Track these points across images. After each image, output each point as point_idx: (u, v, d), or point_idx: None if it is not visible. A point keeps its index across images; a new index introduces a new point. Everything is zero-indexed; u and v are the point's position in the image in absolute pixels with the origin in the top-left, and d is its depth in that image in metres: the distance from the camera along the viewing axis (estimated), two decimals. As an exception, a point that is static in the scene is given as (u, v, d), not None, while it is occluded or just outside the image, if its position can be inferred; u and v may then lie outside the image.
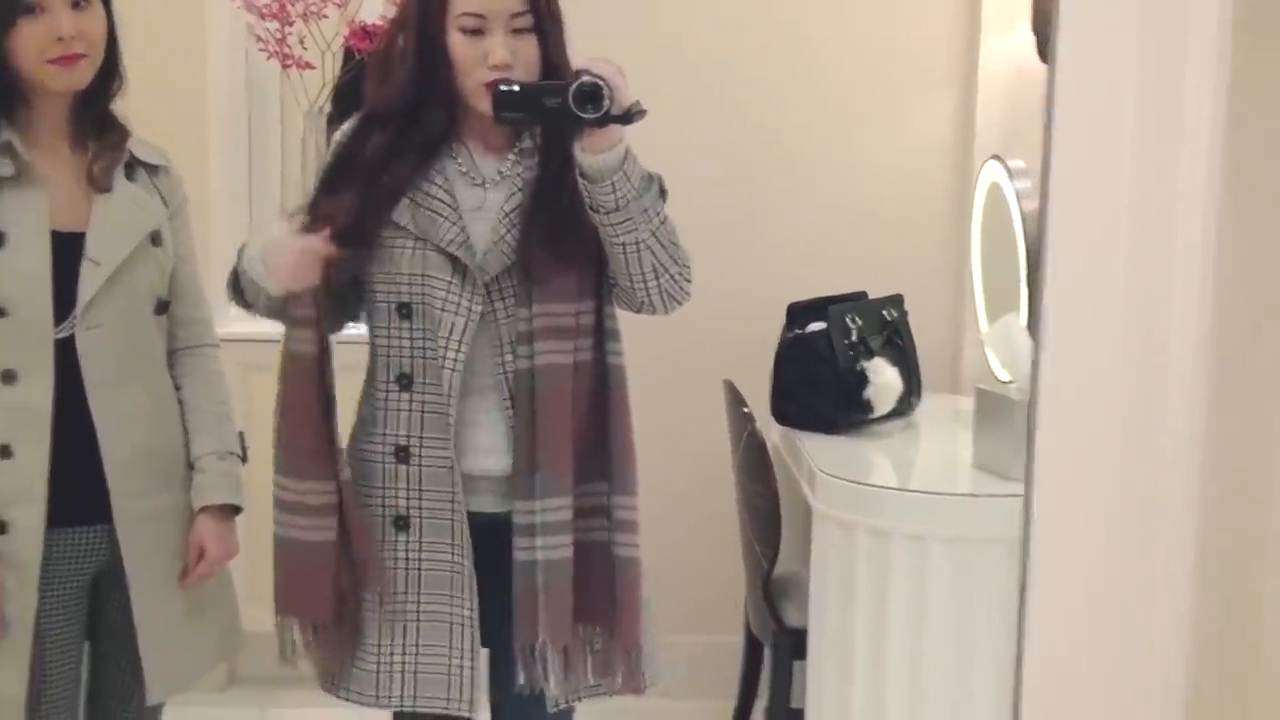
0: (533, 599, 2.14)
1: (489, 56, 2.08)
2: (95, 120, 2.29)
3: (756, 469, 3.08)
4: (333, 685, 2.25)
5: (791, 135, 3.73)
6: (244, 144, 3.99)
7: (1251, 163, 1.11)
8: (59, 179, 2.24)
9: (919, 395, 3.30)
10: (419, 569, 2.17)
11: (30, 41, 2.15)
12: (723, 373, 3.39)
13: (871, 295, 3.37)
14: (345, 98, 3.73)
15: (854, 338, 3.15)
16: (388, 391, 2.17)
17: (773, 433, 3.22)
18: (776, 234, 3.74)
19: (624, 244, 2.07)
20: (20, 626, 2.20)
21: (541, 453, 2.13)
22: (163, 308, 2.35)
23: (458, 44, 2.10)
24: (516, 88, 2.03)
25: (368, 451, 2.20)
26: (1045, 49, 3.00)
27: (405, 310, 2.14)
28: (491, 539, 2.17)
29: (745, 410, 3.14)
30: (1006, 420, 2.69)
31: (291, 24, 3.74)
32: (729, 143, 3.73)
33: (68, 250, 2.20)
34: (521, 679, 2.16)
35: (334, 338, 2.21)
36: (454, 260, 2.12)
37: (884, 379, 3.11)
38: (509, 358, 2.14)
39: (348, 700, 2.23)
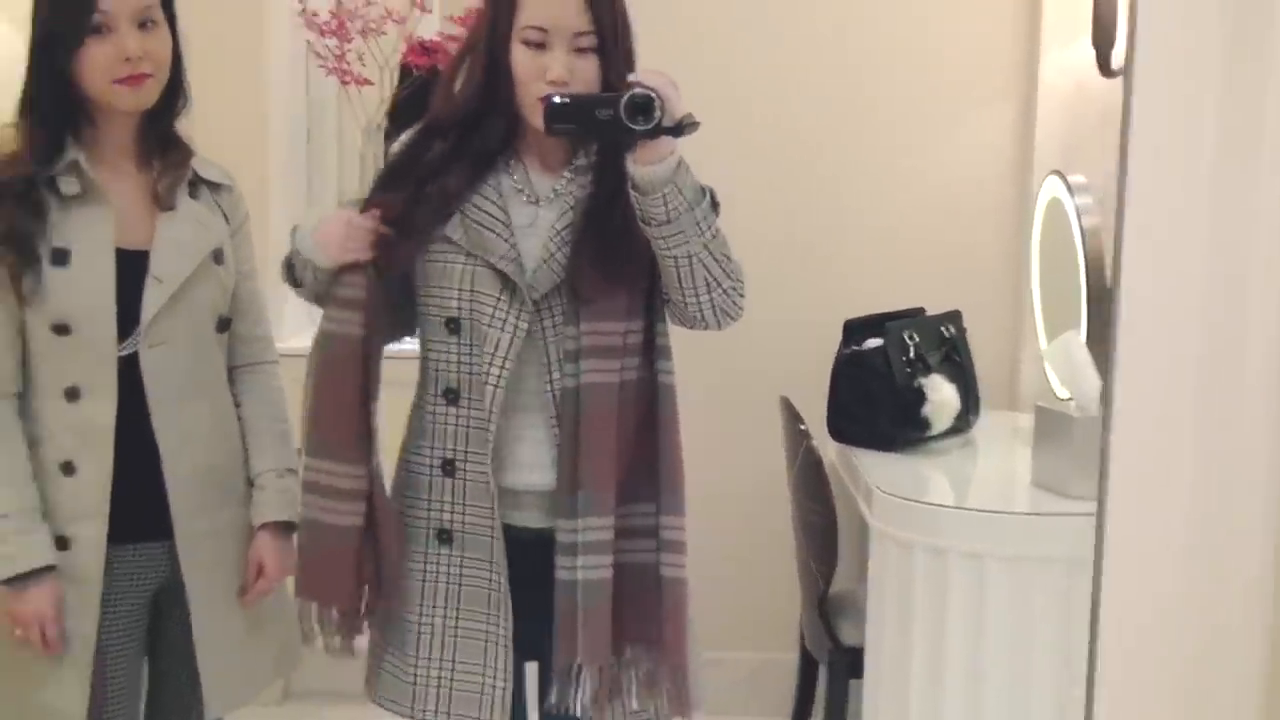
0: (572, 618, 2.14)
1: (547, 72, 2.08)
2: (160, 139, 2.31)
3: (813, 486, 3.07)
4: (372, 691, 2.27)
5: (849, 149, 3.72)
6: (303, 160, 4.02)
7: None
8: (124, 197, 2.26)
9: (977, 412, 3.28)
10: (459, 584, 2.18)
11: (98, 62, 2.18)
12: (779, 389, 3.38)
13: (929, 311, 3.35)
14: (401, 114, 3.75)
15: (911, 354, 3.13)
16: (435, 405, 2.18)
17: (829, 450, 3.20)
18: (834, 249, 3.73)
19: (676, 257, 2.06)
20: (81, 643, 2.22)
21: (584, 472, 2.13)
22: (224, 325, 2.37)
23: (519, 56, 2.11)
24: (568, 100, 2.03)
25: (415, 463, 2.21)
26: (1106, 63, 2.98)
27: (454, 325, 2.15)
28: (538, 554, 2.17)
29: (802, 427, 3.13)
30: (1066, 437, 2.67)
31: (350, 41, 3.78)
32: (787, 157, 3.72)
33: (132, 268, 2.23)
34: (554, 697, 2.16)
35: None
36: (504, 277, 2.13)
37: (941, 396, 3.09)
38: (555, 375, 2.14)
39: (383, 707, 2.25)
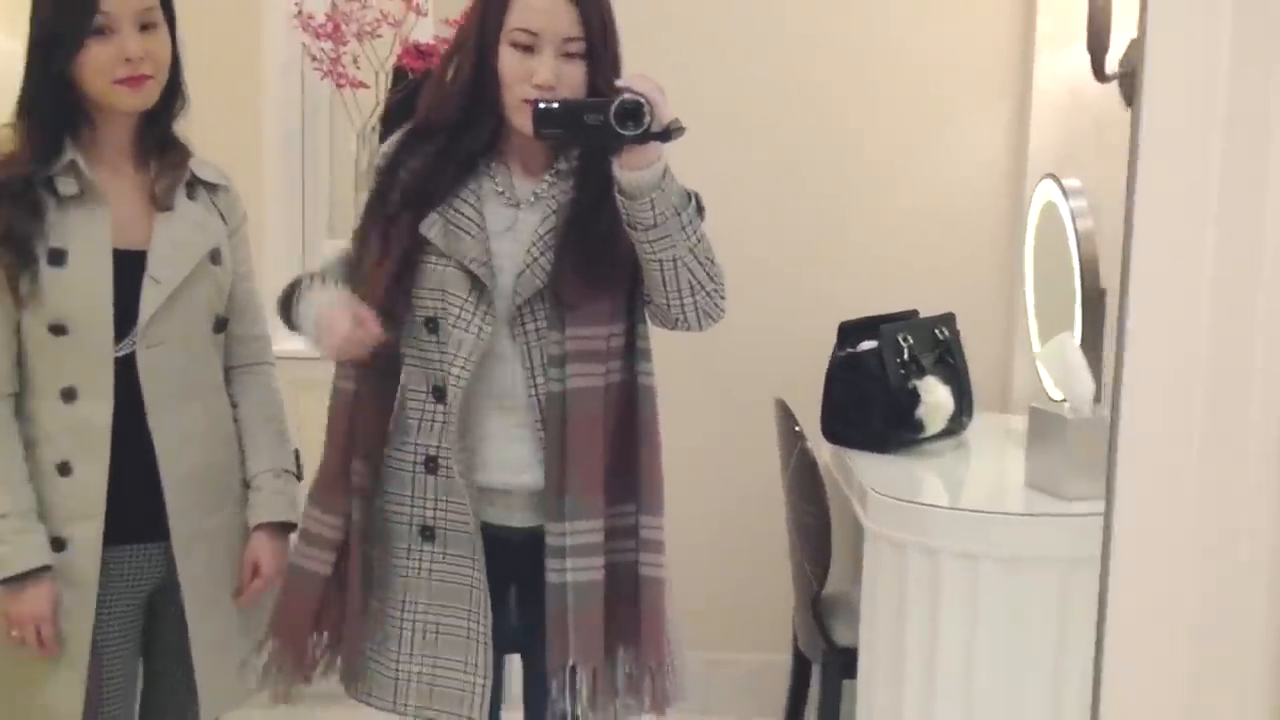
0: (563, 620, 2.16)
1: (534, 75, 2.09)
2: (157, 140, 2.32)
3: (807, 487, 3.08)
4: (354, 687, 2.29)
5: (844, 152, 3.73)
6: (298, 163, 4.02)
7: None
8: (122, 198, 2.26)
9: (970, 414, 3.29)
10: (442, 581, 2.20)
11: (99, 62, 2.18)
12: (774, 391, 3.39)
13: (923, 314, 3.36)
14: (395, 117, 3.74)
15: (906, 356, 3.14)
16: (423, 402, 2.19)
17: (823, 451, 3.21)
18: (829, 252, 3.74)
19: (661, 261, 2.08)
20: (77, 643, 2.23)
21: (572, 476, 2.15)
22: (221, 326, 2.38)
23: (507, 58, 2.12)
24: (556, 105, 2.04)
25: (399, 459, 2.22)
26: (1100, 68, 3.00)
27: (432, 324, 2.17)
28: (525, 553, 2.20)
29: (796, 429, 3.14)
30: (1060, 439, 2.68)
31: (346, 44, 3.78)
32: (783, 161, 3.73)
33: (129, 268, 2.23)
34: (554, 694, 2.17)
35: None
36: (474, 279, 2.14)
37: (935, 398, 3.10)
38: (540, 380, 2.16)
39: (366, 703, 2.27)
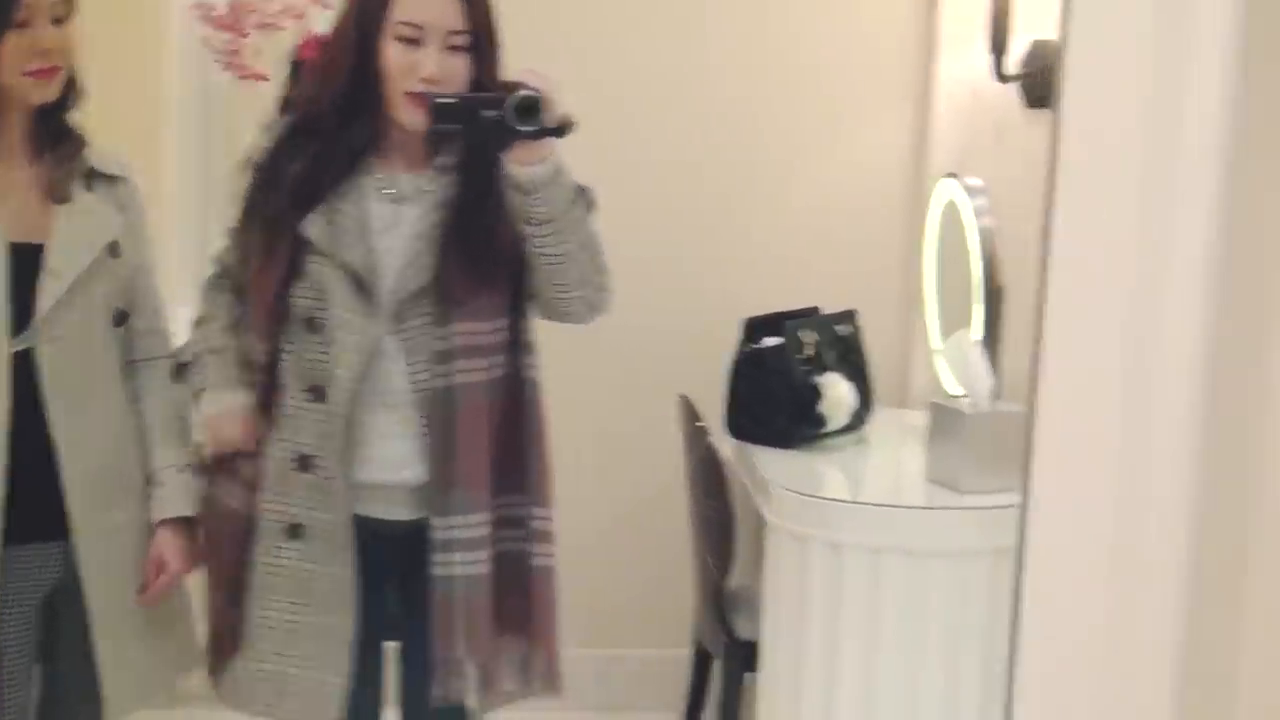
0: (450, 613, 2.18)
1: (419, 68, 2.09)
2: (53, 131, 2.27)
3: (711, 482, 3.10)
4: (216, 685, 2.30)
5: (747, 150, 3.76)
6: (199, 154, 3.97)
7: (1255, 183, 1.15)
8: (16, 190, 2.22)
9: (871, 409, 3.33)
10: (307, 579, 2.20)
11: (14, 54, 2.14)
12: (678, 387, 3.41)
13: (825, 310, 3.40)
14: (291, 109, 3.71)
15: (808, 353, 3.17)
16: (300, 401, 2.18)
17: (726, 446, 3.24)
18: (732, 249, 3.77)
19: (552, 255, 2.09)
20: None
21: (459, 470, 2.16)
22: (121, 319, 2.34)
23: (391, 52, 2.11)
24: (453, 98, 2.04)
25: (272, 457, 2.22)
26: (1001, 69, 3.05)
27: (312, 324, 2.15)
28: (408, 546, 2.21)
29: (700, 424, 3.16)
30: (959, 433, 2.72)
31: (246, 35, 3.73)
32: (684, 158, 3.75)
33: (25, 262, 2.19)
34: (437, 690, 2.20)
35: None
36: (356, 278, 2.13)
37: (837, 393, 3.14)
38: (425, 376, 2.16)
39: (225, 701, 2.29)
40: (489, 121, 2.00)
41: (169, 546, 2.33)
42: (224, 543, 2.26)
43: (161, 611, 2.36)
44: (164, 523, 2.33)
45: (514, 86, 2.01)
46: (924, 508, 2.75)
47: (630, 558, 3.79)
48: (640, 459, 3.74)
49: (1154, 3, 1.14)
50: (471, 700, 2.23)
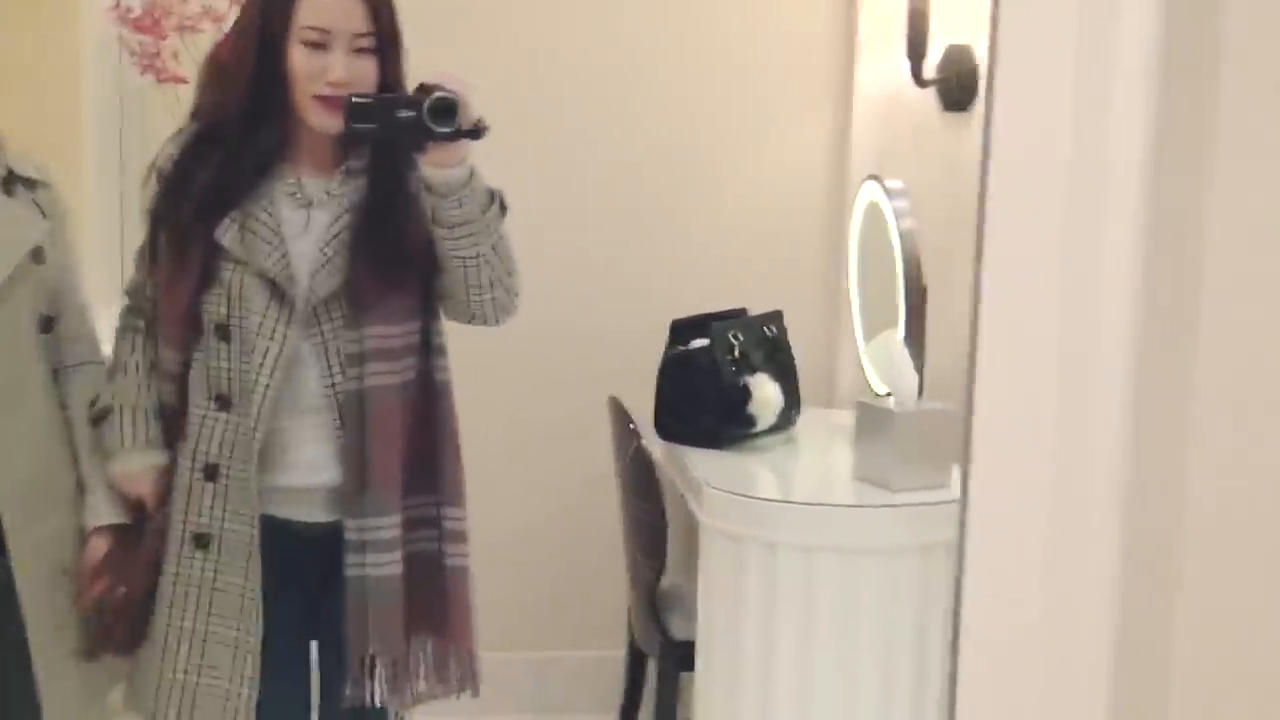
0: (363, 613, 2.19)
1: (327, 72, 2.09)
2: None
3: (643, 484, 3.11)
4: (127, 696, 2.30)
5: (671, 154, 3.77)
6: (116, 157, 3.92)
7: (1179, 183, 1.17)
8: None
9: (798, 409, 3.36)
10: (212, 588, 2.19)
11: None
12: (607, 389, 3.42)
13: (752, 312, 3.42)
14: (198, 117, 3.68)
15: (736, 353, 3.19)
16: (206, 410, 2.17)
17: (656, 448, 3.25)
18: (659, 251, 3.78)
19: (465, 258, 2.10)
20: None
21: (371, 472, 2.17)
22: (47, 325, 2.30)
23: (298, 56, 2.11)
24: (369, 99, 2.04)
25: (180, 467, 2.22)
26: (918, 75, 3.09)
27: (223, 332, 2.15)
28: (325, 546, 2.22)
29: (631, 426, 3.17)
30: (886, 432, 2.75)
31: (165, 38, 3.69)
32: (609, 161, 3.76)
33: None
34: (350, 690, 2.20)
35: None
36: (273, 285, 2.13)
37: (766, 394, 3.16)
38: (339, 379, 2.16)
39: (134, 711, 2.28)
40: (405, 122, 2.00)
41: (103, 554, 2.29)
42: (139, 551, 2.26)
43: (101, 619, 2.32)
44: (97, 530, 2.30)
45: (430, 88, 2.01)
46: (854, 506, 2.77)
47: (564, 560, 3.79)
48: (570, 461, 3.74)
49: (1078, 11, 1.17)
50: (388, 700, 2.23)
